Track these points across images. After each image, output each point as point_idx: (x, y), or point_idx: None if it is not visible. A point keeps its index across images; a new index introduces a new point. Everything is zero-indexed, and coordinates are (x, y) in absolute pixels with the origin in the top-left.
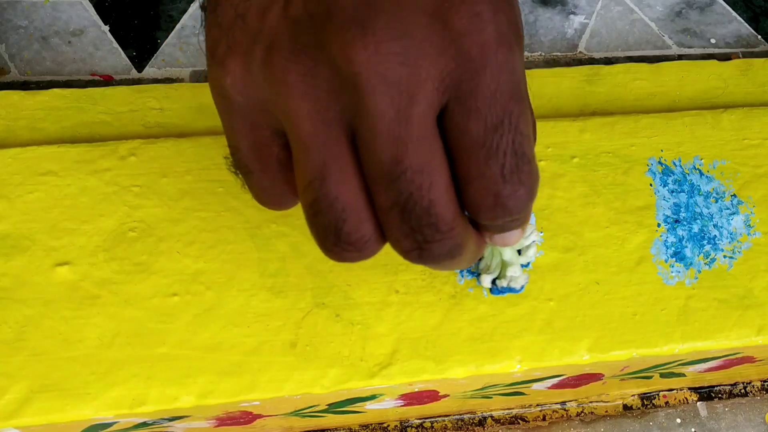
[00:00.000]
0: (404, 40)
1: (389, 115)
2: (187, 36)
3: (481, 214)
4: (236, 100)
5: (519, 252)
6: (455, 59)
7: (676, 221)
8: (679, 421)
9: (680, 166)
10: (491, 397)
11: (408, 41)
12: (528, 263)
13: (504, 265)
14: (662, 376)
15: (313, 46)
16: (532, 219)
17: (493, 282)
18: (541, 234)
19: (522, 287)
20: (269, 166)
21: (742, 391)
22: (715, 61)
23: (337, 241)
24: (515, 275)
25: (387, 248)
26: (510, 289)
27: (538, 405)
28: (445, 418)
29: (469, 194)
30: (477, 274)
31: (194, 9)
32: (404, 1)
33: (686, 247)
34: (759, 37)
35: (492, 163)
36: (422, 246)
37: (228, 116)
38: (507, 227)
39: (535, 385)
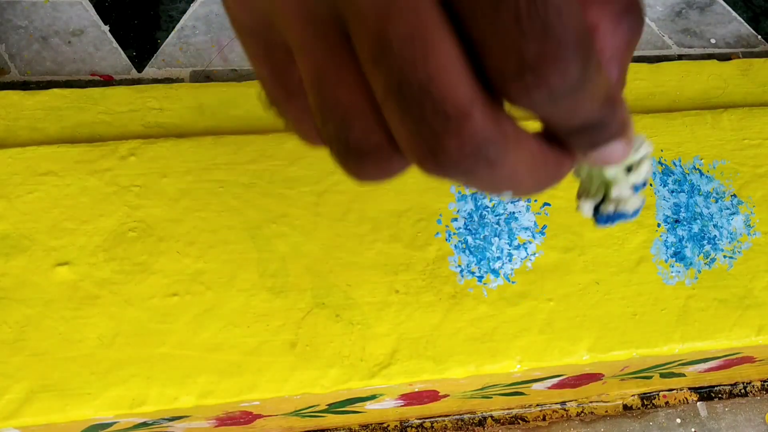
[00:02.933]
0: None
1: None
2: (187, 36)
3: (510, 89)
4: (244, 21)
5: (628, 170)
6: None
7: (676, 221)
8: (679, 421)
9: (680, 166)
10: (491, 397)
11: None
12: (643, 183)
13: (608, 185)
14: (662, 376)
15: None
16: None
17: (596, 209)
18: (650, 145)
19: (636, 213)
20: (294, 91)
21: (742, 391)
22: (715, 61)
23: (347, 153)
24: (624, 196)
25: (387, 248)
26: (620, 215)
27: (538, 405)
28: (445, 418)
29: (489, 64)
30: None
31: (194, 9)
32: None
33: (686, 247)
34: (759, 37)
35: (502, 8)
36: (433, 145)
37: (244, 43)
38: (597, 138)
39: (535, 385)
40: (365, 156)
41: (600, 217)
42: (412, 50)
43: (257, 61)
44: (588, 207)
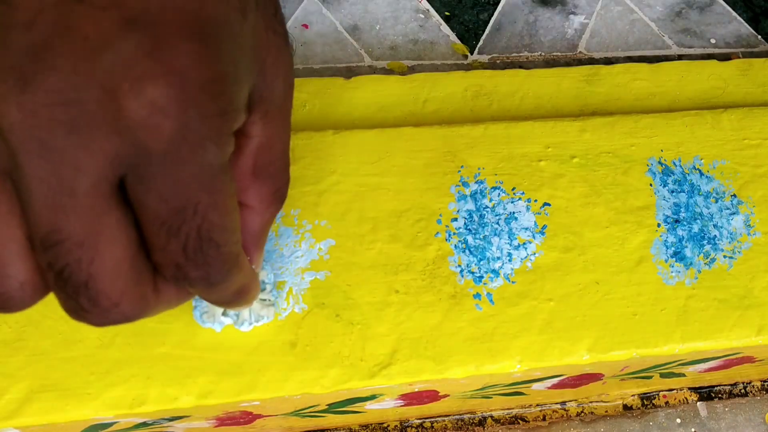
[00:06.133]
0: (72, 108)
1: (49, 183)
2: None
3: (166, 275)
4: None
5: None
6: (133, 145)
7: (676, 221)
8: (679, 421)
9: (680, 166)
10: (491, 397)
11: (77, 111)
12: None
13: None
14: (662, 376)
15: None
16: (271, 291)
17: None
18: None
19: (249, 325)
20: None
21: (742, 391)
22: (715, 61)
23: None
24: (243, 317)
25: (387, 248)
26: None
27: (538, 405)
28: (445, 418)
29: (154, 258)
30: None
31: None
32: (79, 66)
33: (686, 247)
34: (759, 37)
35: (173, 241)
36: (79, 313)
37: None
38: (228, 305)
39: (535, 385)
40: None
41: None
42: (81, 253)
43: None
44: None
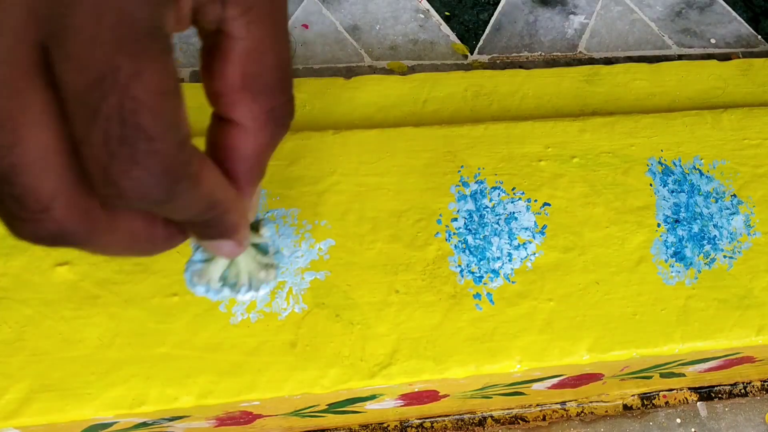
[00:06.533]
0: None
1: None
2: (186, 36)
3: (97, 190)
4: None
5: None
6: None
7: (676, 221)
8: (679, 421)
9: (680, 166)
10: (491, 397)
11: None
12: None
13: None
14: (662, 376)
15: None
16: (275, 240)
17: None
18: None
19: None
20: None
21: (742, 391)
22: (715, 61)
23: None
24: (242, 280)
25: (387, 248)
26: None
27: (538, 405)
28: (445, 418)
29: (84, 165)
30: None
31: None
32: None
33: (686, 247)
34: (759, 37)
35: (93, 128)
36: (11, 223)
37: None
38: (204, 234)
39: (535, 385)
40: None
41: (212, 288)
42: (0, 138)
43: None
44: (207, 275)
